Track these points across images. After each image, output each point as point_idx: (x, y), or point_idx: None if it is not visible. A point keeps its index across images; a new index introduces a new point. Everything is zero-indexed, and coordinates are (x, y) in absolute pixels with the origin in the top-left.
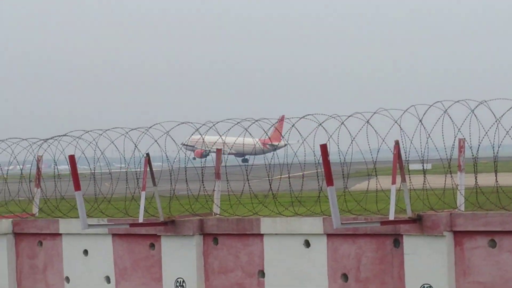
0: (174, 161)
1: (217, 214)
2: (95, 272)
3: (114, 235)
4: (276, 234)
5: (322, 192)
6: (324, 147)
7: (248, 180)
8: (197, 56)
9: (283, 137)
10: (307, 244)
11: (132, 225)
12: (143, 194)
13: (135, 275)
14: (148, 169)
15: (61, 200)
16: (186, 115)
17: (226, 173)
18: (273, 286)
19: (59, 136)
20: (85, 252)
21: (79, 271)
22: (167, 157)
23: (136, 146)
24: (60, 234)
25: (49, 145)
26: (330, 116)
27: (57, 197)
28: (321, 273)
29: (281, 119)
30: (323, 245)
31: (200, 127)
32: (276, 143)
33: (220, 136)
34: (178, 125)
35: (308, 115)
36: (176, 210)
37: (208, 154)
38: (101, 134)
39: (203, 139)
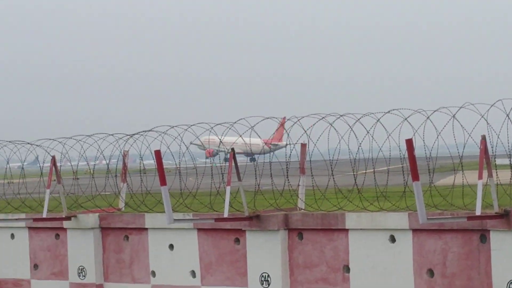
0: (258, 156)
1: (301, 209)
2: (180, 266)
3: (199, 229)
4: (361, 229)
5: (407, 187)
6: (409, 142)
7: (333, 175)
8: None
9: (288, 136)
10: (392, 239)
11: (217, 219)
12: (228, 189)
13: (220, 269)
14: (233, 163)
15: (147, 195)
16: (270, 111)
17: (310, 168)
18: (358, 281)
19: (145, 131)
20: (171, 246)
21: (165, 266)
22: (251, 151)
23: (221, 141)
24: (146, 229)
25: (135, 141)
26: (416, 111)
27: (143, 192)
28: (407, 269)
29: (282, 122)
30: (408, 240)
31: (214, 125)
32: (277, 143)
33: (240, 136)
34: (263, 120)
35: (394, 110)
36: (261, 205)
37: (217, 153)
38: (186, 129)
39: (221, 140)
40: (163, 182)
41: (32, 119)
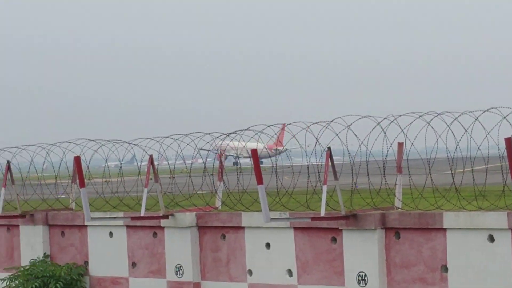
0: (355, 155)
1: (399, 208)
2: (277, 265)
3: (295, 228)
4: (459, 228)
5: (506, 186)
6: (508, 141)
7: (430, 174)
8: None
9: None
10: (491, 239)
11: (313, 218)
12: (324, 187)
13: (317, 268)
14: (329, 163)
15: (243, 194)
16: (368, 109)
17: (408, 167)
18: (456, 281)
19: (241, 130)
20: (267, 245)
21: (262, 264)
22: (348, 151)
23: (317, 140)
24: (243, 227)
25: (231, 139)
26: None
27: (239, 191)
28: (506, 269)
29: (282, 128)
30: (507, 240)
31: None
32: (278, 148)
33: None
34: (360, 119)
35: (492, 108)
36: (357, 204)
37: (226, 158)
38: (282, 128)
39: (236, 146)
40: (259, 181)
41: (130, 119)
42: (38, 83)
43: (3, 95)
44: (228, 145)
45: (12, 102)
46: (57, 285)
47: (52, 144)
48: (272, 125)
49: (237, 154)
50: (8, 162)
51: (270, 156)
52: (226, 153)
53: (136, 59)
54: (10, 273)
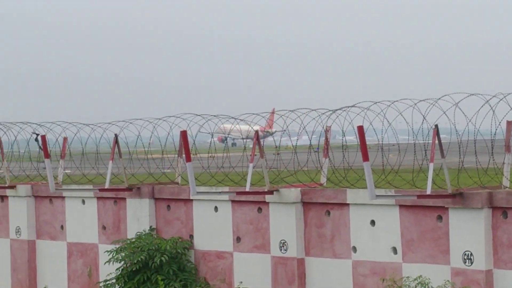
0: (462, 133)
1: (506, 187)
2: (381, 242)
3: (401, 206)
4: None
5: None
6: None
7: None
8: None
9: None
10: None
11: (419, 196)
12: (431, 165)
13: (422, 246)
14: (436, 141)
15: (349, 171)
16: (476, 87)
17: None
18: None
19: (348, 107)
20: (372, 222)
21: (366, 241)
22: (455, 129)
23: (424, 117)
24: (348, 204)
25: (337, 116)
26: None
27: (344, 167)
28: None
29: (272, 112)
30: None
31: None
32: (268, 130)
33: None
34: (467, 97)
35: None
36: (464, 183)
37: (226, 139)
38: (389, 106)
39: (240, 128)
40: (365, 157)
41: (234, 92)
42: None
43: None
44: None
45: (121, 81)
46: (162, 258)
47: (159, 119)
48: (378, 102)
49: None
50: (116, 135)
51: (265, 137)
52: (229, 136)
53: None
54: (117, 246)
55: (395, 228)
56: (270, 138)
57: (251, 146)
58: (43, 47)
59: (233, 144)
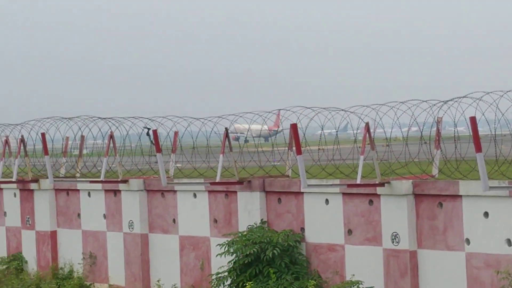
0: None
1: None
2: (495, 234)
3: None
4: None
5: None
6: None
7: None
8: None
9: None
10: None
11: None
12: None
13: None
14: None
15: (461, 162)
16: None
17: None
18: None
19: (459, 97)
20: (486, 214)
21: (479, 233)
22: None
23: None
24: (460, 196)
25: (449, 107)
26: None
27: (456, 159)
28: None
29: (278, 113)
30: None
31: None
32: (276, 129)
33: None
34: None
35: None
36: None
37: (238, 138)
38: (502, 96)
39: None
40: (478, 148)
41: (347, 85)
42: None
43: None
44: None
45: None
46: (274, 251)
47: (269, 112)
48: (490, 92)
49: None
50: (226, 129)
51: (270, 136)
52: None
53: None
54: (229, 239)
55: (509, 219)
56: (379, 129)
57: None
58: (153, 44)
59: (246, 141)
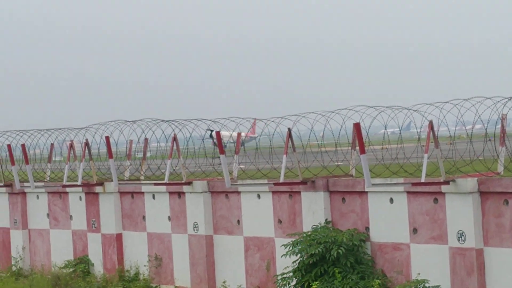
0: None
1: None
2: None
3: None
4: None
5: None
6: None
7: None
8: None
9: None
10: None
11: None
12: None
13: None
14: None
15: None
16: None
17: None
18: None
19: None
20: None
21: None
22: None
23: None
24: None
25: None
26: None
27: None
28: None
29: (254, 122)
30: None
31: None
32: (252, 135)
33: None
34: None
35: None
36: None
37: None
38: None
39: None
40: None
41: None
42: None
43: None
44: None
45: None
46: (339, 250)
47: (332, 112)
48: None
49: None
50: (289, 129)
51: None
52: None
53: None
54: (293, 239)
55: None
56: (443, 128)
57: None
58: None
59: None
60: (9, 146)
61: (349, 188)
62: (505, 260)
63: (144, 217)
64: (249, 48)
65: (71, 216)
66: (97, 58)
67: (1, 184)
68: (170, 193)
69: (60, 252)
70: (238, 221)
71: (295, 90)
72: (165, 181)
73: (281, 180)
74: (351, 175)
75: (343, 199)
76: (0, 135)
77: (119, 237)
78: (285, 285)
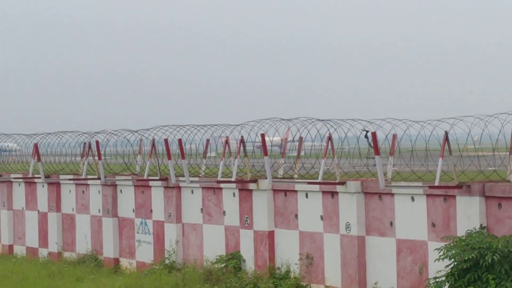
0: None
1: None
2: None
3: None
4: None
5: None
6: None
7: None
8: None
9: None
10: None
11: None
12: None
13: None
14: None
15: None
16: None
17: None
18: None
19: None
20: None
21: None
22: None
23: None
24: None
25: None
26: None
27: None
28: None
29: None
30: None
31: None
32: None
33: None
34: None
35: None
36: None
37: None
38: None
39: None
40: None
41: None
42: None
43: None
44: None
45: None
46: (494, 257)
47: (490, 116)
48: None
49: None
50: (446, 132)
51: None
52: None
53: None
54: (446, 243)
55: None
56: None
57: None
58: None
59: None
60: (166, 140)
61: (506, 194)
62: None
63: (296, 215)
64: (411, 52)
65: (224, 212)
66: (253, 60)
67: (157, 178)
68: (323, 192)
69: (212, 247)
70: (391, 223)
71: (452, 94)
72: (319, 180)
73: (436, 183)
74: (508, 181)
75: (500, 204)
76: (158, 129)
77: (271, 234)
78: None
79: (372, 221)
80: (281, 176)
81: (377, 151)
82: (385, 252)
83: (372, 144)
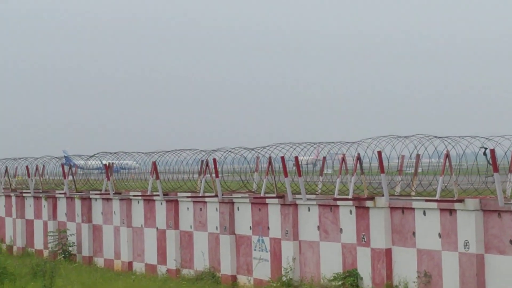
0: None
1: None
2: None
3: None
4: None
5: None
6: None
7: None
8: None
9: None
10: None
11: None
12: None
13: None
14: None
15: None
16: None
17: None
18: None
19: None
20: None
21: None
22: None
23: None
24: None
25: None
26: None
27: None
28: None
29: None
30: None
31: None
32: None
33: None
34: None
35: None
36: None
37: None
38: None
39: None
40: None
41: None
42: None
43: None
44: None
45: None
46: None
47: None
48: None
49: None
50: None
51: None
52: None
53: None
54: None
55: None
56: None
57: None
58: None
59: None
60: (282, 158)
61: None
62: None
63: (414, 233)
64: None
65: (341, 229)
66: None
67: (274, 195)
68: (441, 210)
69: (329, 264)
70: (511, 241)
71: None
72: (437, 197)
73: None
74: None
75: None
76: (274, 147)
77: (388, 252)
78: None
79: (491, 239)
80: (398, 194)
81: (496, 168)
82: (505, 271)
83: (490, 161)
